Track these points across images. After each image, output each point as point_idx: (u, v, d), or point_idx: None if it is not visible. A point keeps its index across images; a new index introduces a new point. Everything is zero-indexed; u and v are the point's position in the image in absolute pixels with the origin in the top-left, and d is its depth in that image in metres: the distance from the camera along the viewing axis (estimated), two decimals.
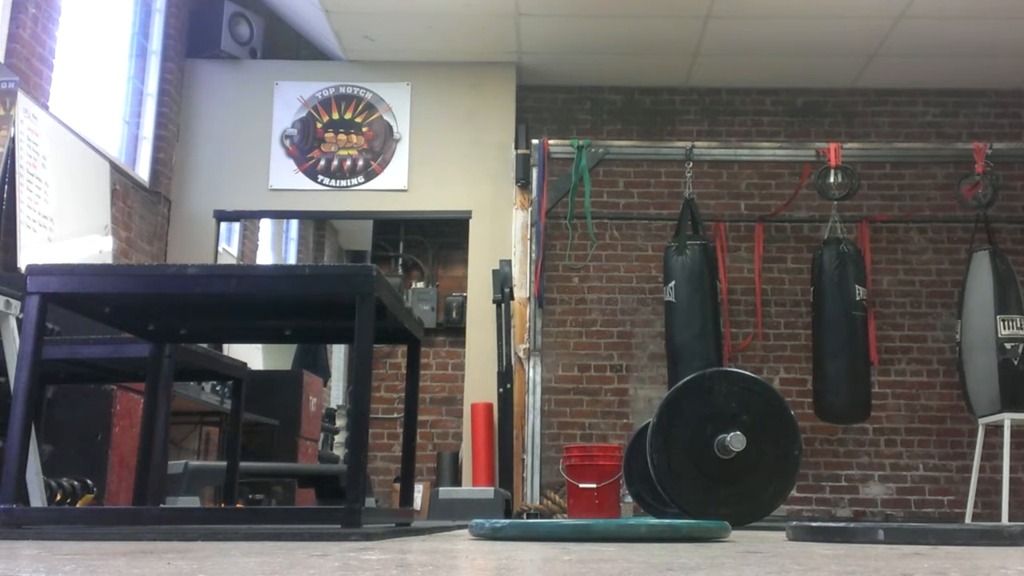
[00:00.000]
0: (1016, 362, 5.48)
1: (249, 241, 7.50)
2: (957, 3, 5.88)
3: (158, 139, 6.23)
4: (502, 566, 1.53)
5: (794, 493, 6.22)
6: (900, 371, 6.72)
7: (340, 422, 7.66)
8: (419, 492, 6.95)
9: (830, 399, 5.82)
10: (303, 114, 6.54)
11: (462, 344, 6.90)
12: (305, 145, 6.50)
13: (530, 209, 6.01)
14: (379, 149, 6.51)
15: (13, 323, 3.02)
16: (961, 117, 7.04)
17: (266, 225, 8.14)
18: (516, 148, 6.32)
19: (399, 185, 6.46)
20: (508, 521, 2.47)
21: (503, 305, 5.84)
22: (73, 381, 3.71)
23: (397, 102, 6.57)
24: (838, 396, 5.81)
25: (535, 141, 6.06)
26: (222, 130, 6.50)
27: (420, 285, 8.02)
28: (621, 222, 6.90)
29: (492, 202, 6.41)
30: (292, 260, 8.73)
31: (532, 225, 5.98)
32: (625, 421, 6.67)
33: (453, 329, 7.73)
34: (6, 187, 4.44)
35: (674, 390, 3.42)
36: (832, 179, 5.90)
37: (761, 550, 1.96)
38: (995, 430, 5.74)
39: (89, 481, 3.57)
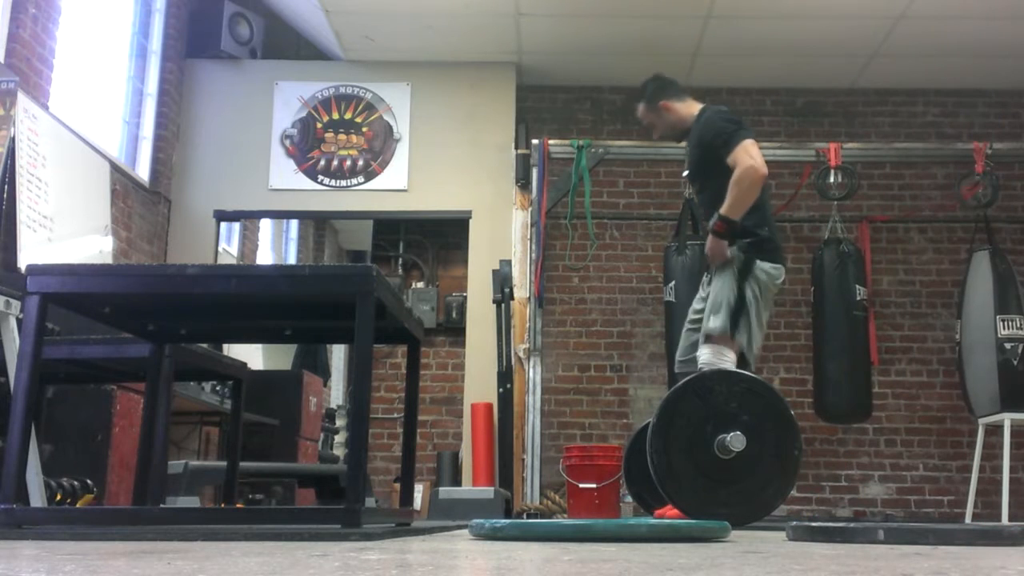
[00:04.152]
0: (1016, 362, 5.48)
1: (249, 241, 7.50)
2: (957, 3, 5.88)
3: (158, 139, 6.22)
4: (502, 566, 1.53)
5: (794, 493, 6.22)
6: (900, 371, 6.72)
7: (340, 422, 7.66)
8: (419, 492, 6.95)
9: (830, 399, 5.82)
10: (303, 114, 6.54)
11: (462, 344, 6.90)
12: (305, 145, 6.50)
13: (530, 209, 6.01)
14: (379, 149, 6.51)
15: (13, 323, 3.02)
16: (961, 117, 7.04)
17: (266, 225, 8.13)
18: (516, 148, 6.32)
19: (399, 185, 6.45)
20: (508, 521, 2.47)
21: (503, 305, 5.83)
22: (73, 381, 3.72)
23: (397, 102, 6.57)
24: (838, 396, 5.81)
25: (535, 141, 6.06)
26: (222, 130, 6.49)
27: (420, 285, 8.02)
28: (621, 222, 6.90)
29: (492, 202, 6.40)
30: (292, 260, 8.72)
31: (532, 225, 5.98)
32: (625, 421, 6.66)
33: (453, 329, 7.73)
34: (6, 187, 4.43)
35: (674, 390, 3.42)
36: (832, 179, 5.90)
37: (761, 550, 1.96)
38: (995, 430, 5.74)
39: (89, 481, 3.57)
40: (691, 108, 3.98)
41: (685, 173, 4.18)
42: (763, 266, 3.66)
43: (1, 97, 4.37)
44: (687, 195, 5.93)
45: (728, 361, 3.54)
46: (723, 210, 3.63)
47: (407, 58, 6.57)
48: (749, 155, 3.61)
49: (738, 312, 3.59)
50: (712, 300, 3.67)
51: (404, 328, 2.83)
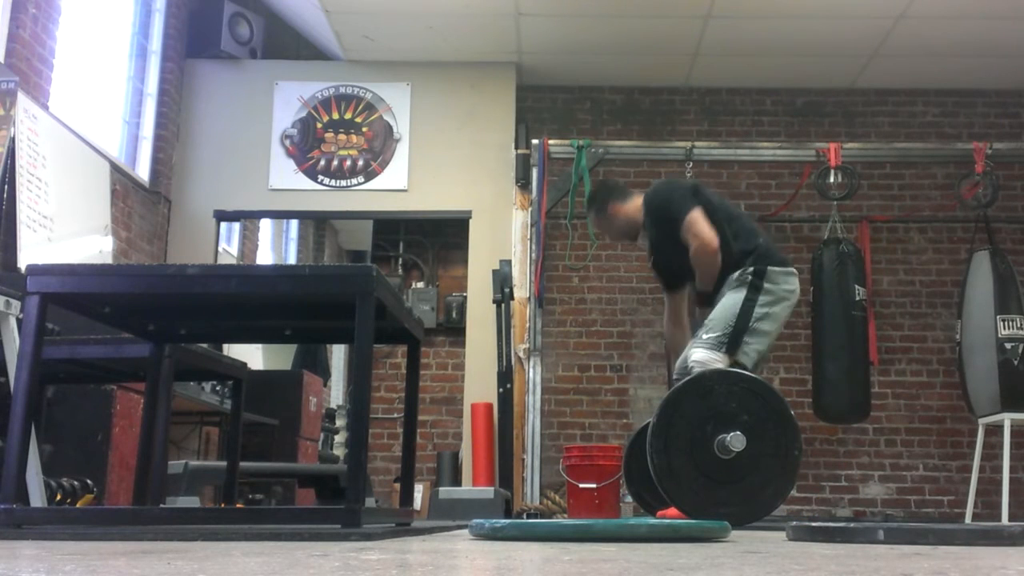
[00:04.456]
0: (1016, 362, 5.48)
1: (249, 241, 7.50)
2: (957, 3, 5.88)
3: (158, 139, 6.22)
4: (502, 566, 1.53)
5: (794, 493, 6.22)
6: (900, 371, 6.72)
7: (340, 422, 7.66)
8: (419, 492, 6.95)
9: (830, 399, 5.82)
10: (303, 114, 6.54)
11: (462, 344, 6.89)
12: (305, 145, 6.50)
13: (530, 209, 6.01)
14: (379, 149, 6.51)
15: (13, 323, 3.01)
16: (961, 117, 7.04)
17: (266, 225, 8.13)
18: (516, 148, 6.32)
19: (399, 185, 6.45)
20: (508, 521, 2.47)
21: (503, 305, 5.83)
22: (73, 381, 3.71)
23: (397, 102, 6.57)
24: (838, 396, 5.81)
25: (535, 141, 6.06)
26: (222, 130, 6.49)
27: (420, 285, 8.01)
28: None
29: (492, 202, 6.40)
30: (292, 260, 8.72)
31: (532, 225, 5.98)
32: (625, 421, 6.66)
33: (453, 329, 7.72)
34: (6, 187, 4.44)
35: (674, 390, 3.42)
36: (832, 179, 5.90)
37: (761, 550, 1.96)
38: (995, 430, 5.74)
39: (89, 481, 3.56)
40: (637, 202, 3.98)
41: (650, 263, 4.14)
42: (774, 271, 3.67)
43: (1, 97, 4.37)
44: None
45: (719, 362, 3.55)
46: (698, 287, 3.77)
47: (407, 58, 6.57)
48: (694, 233, 3.66)
49: (740, 331, 3.60)
50: (716, 312, 3.67)
51: (404, 328, 2.83)
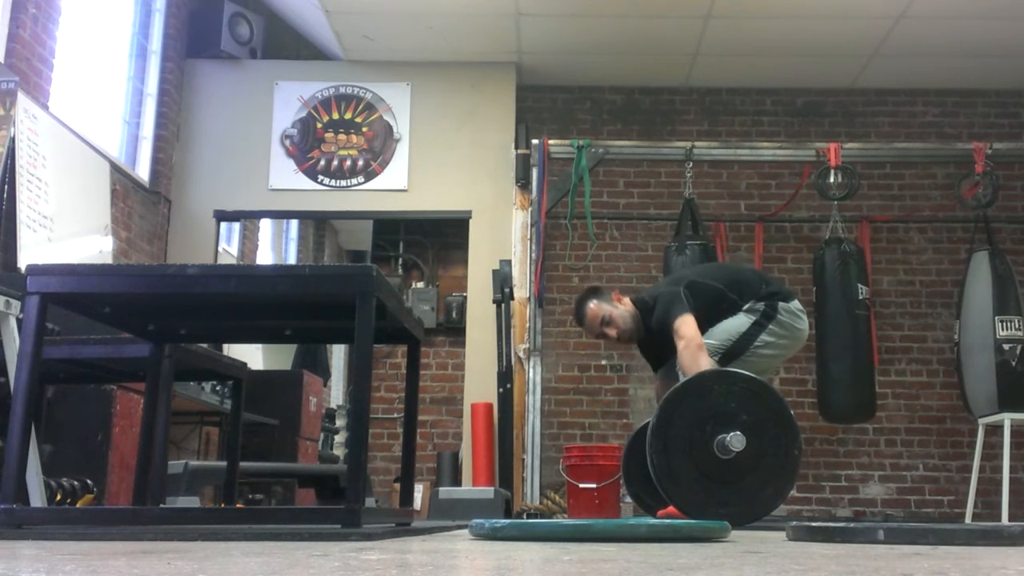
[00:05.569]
0: (1014, 363, 5.48)
1: (249, 241, 7.50)
2: (957, 3, 5.88)
3: (158, 139, 6.22)
4: (502, 566, 1.53)
5: (794, 493, 6.22)
6: (900, 371, 6.72)
7: (340, 422, 7.66)
8: (419, 492, 6.95)
9: (834, 399, 5.81)
10: (303, 114, 6.53)
11: (462, 344, 6.89)
12: (305, 145, 6.50)
13: (530, 209, 6.01)
14: (379, 149, 6.51)
15: (13, 323, 3.01)
16: (961, 117, 7.04)
17: (266, 225, 8.13)
18: (516, 148, 6.31)
19: (399, 185, 6.45)
20: (508, 521, 2.47)
21: (503, 305, 5.83)
22: (73, 381, 3.71)
23: (397, 102, 6.57)
24: (843, 396, 5.80)
25: (535, 141, 6.06)
26: (222, 130, 6.49)
27: (420, 285, 8.02)
28: (621, 222, 6.90)
29: (492, 202, 6.40)
30: (292, 260, 8.72)
31: (532, 225, 5.97)
32: (625, 421, 6.66)
33: (453, 329, 7.73)
34: (6, 187, 4.43)
35: (674, 390, 3.42)
36: (832, 179, 5.90)
37: (761, 550, 1.96)
38: (995, 430, 5.74)
39: (89, 481, 3.56)
40: (628, 306, 3.99)
41: (640, 349, 4.19)
42: (786, 307, 3.76)
43: (1, 97, 4.37)
44: (687, 195, 5.94)
45: (706, 367, 3.60)
46: (678, 370, 3.71)
47: (407, 58, 6.57)
48: (681, 335, 3.65)
49: (739, 350, 3.67)
50: (720, 325, 3.73)
51: (404, 328, 2.83)
